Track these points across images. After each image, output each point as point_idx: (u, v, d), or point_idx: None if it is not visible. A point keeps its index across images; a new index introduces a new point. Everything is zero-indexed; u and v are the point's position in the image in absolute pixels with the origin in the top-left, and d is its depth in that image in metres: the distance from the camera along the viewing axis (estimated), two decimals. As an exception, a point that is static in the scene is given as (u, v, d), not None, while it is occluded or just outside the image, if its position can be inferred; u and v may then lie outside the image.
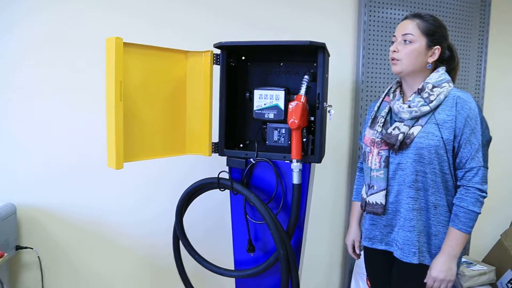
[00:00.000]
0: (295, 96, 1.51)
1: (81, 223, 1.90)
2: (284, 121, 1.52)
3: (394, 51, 1.32)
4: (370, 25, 2.18)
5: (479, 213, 1.26)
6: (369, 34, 2.18)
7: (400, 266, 1.35)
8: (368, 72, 2.21)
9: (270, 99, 1.53)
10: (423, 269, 1.30)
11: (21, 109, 1.77)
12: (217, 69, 1.57)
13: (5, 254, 1.37)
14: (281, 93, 1.51)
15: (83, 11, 1.80)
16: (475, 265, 2.19)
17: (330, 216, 2.32)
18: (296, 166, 1.45)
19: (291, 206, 1.50)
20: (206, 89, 1.55)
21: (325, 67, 1.48)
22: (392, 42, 1.36)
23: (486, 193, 1.27)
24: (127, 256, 1.99)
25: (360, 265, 2.27)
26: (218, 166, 1.80)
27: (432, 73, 1.33)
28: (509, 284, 2.13)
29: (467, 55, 2.43)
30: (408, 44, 1.30)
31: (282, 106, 1.51)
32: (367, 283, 2.22)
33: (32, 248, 1.80)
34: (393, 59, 1.33)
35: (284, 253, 1.45)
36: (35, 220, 1.84)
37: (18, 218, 1.79)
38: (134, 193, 1.96)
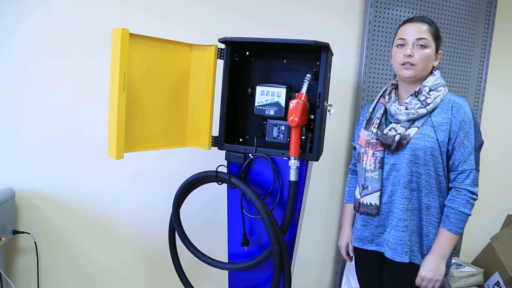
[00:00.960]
0: (296, 94, 1.53)
1: (79, 210, 1.91)
2: (284, 118, 1.54)
3: (410, 55, 1.30)
4: (375, 25, 2.19)
5: (469, 215, 1.29)
6: (374, 35, 2.19)
7: (392, 266, 1.38)
8: (370, 73, 2.22)
9: (272, 95, 1.54)
10: (414, 268, 1.33)
11: (20, 95, 1.78)
12: (220, 63, 1.58)
13: (3, 238, 1.39)
14: (282, 91, 1.52)
15: (86, 1, 1.79)
16: (464, 266, 2.23)
17: (325, 214, 2.35)
18: (293, 163, 1.47)
19: (286, 203, 1.53)
20: (209, 82, 1.56)
21: (327, 66, 1.49)
22: (399, 46, 1.34)
23: (477, 196, 1.29)
24: (123, 243, 2.01)
25: (351, 263, 2.30)
26: (217, 159, 1.82)
27: (429, 77, 1.34)
28: (495, 286, 2.17)
29: (470, 54, 2.44)
30: (422, 48, 1.30)
31: (283, 103, 1.53)
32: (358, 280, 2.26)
33: (29, 233, 1.81)
34: (406, 63, 1.31)
35: (278, 248, 1.47)
36: (33, 205, 1.85)
37: (16, 202, 1.80)
38: (132, 180, 1.97)
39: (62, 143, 1.84)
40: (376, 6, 2.17)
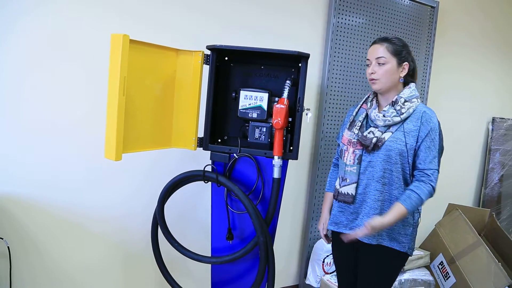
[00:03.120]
0: (276, 98, 1.67)
1: (52, 210, 1.88)
2: (265, 120, 1.67)
3: (372, 73, 1.53)
4: (337, 34, 2.40)
5: (423, 204, 1.49)
6: (336, 43, 2.40)
7: (364, 248, 1.57)
8: (332, 78, 2.43)
9: (255, 99, 1.66)
10: (382, 248, 1.54)
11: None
12: (205, 68, 1.66)
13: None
14: (265, 95, 1.65)
15: (77, 10, 1.78)
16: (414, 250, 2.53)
17: (292, 209, 2.52)
18: (277, 162, 1.61)
19: (270, 198, 1.66)
20: (195, 86, 1.64)
21: (306, 74, 1.64)
22: (367, 66, 1.56)
23: (435, 192, 1.51)
24: (98, 240, 2.00)
25: (317, 252, 2.51)
26: (189, 158, 1.90)
27: (405, 89, 1.55)
28: (440, 266, 2.50)
29: (416, 57, 2.78)
30: (382, 65, 1.52)
31: (265, 107, 1.65)
32: (323, 269, 2.46)
33: (2, 238, 1.76)
34: (372, 79, 1.54)
35: (264, 240, 1.60)
36: (4, 209, 1.79)
37: (-13, 207, 1.74)
38: (105, 177, 1.96)
39: (30, 144, 1.80)
40: (338, 17, 2.38)
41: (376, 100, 1.61)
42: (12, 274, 1.82)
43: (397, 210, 1.47)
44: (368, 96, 1.65)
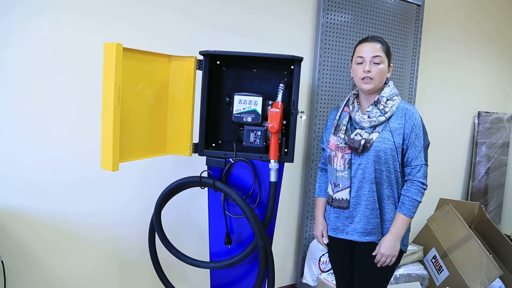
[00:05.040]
0: (270, 101, 1.67)
1: (46, 221, 1.85)
2: (260, 124, 1.67)
3: (369, 71, 1.51)
4: (326, 34, 2.41)
5: (420, 202, 1.55)
6: (325, 44, 2.41)
7: (360, 247, 1.60)
8: (323, 78, 2.44)
9: (249, 104, 1.66)
10: (376, 246, 1.57)
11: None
12: (198, 73, 1.66)
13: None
14: (259, 99, 1.65)
15: (65, 18, 1.76)
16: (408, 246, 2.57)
17: (287, 209, 2.53)
18: (274, 165, 1.61)
19: (267, 202, 1.67)
20: (188, 92, 1.63)
21: (299, 77, 1.65)
22: (359, 63, 1.54)
23: (427, 186, 1.56)
24: (94, 249, 1.98)
25: (312, 252, 2.53)
26: (183, 164, 1.88)
27: (385, 88, 1.57)
28: (433, 260, 2.55)
29: (403, 56, 2.83)
30: (377, 65, 1.52)
31: (259, 110, 1.66)
32: (319, 267, 2.48)
33: (-5, 252, 1.72)
34: (365, 78, 1.52)
35: (263, 243, 1.61)
36: (-3, 223, 1.76)
37: (-21, 221, 1.70)
38: (98, 186, 1.94)
39: (20, 152, 1.76)
40: (327, 17, 2.39)
41: (357, 102, 1.61)
42: (6, 286, 1.78)
43: (399, 220, 1.54)
44: (349, 99, 1.65)
